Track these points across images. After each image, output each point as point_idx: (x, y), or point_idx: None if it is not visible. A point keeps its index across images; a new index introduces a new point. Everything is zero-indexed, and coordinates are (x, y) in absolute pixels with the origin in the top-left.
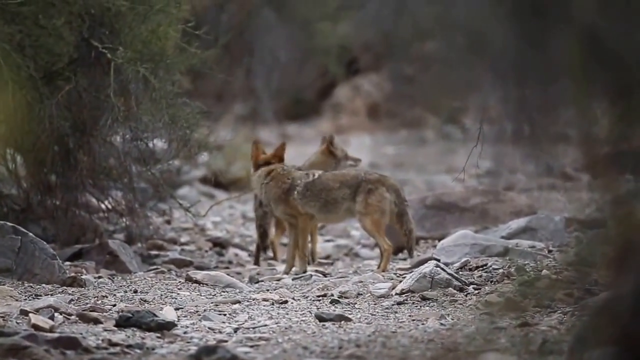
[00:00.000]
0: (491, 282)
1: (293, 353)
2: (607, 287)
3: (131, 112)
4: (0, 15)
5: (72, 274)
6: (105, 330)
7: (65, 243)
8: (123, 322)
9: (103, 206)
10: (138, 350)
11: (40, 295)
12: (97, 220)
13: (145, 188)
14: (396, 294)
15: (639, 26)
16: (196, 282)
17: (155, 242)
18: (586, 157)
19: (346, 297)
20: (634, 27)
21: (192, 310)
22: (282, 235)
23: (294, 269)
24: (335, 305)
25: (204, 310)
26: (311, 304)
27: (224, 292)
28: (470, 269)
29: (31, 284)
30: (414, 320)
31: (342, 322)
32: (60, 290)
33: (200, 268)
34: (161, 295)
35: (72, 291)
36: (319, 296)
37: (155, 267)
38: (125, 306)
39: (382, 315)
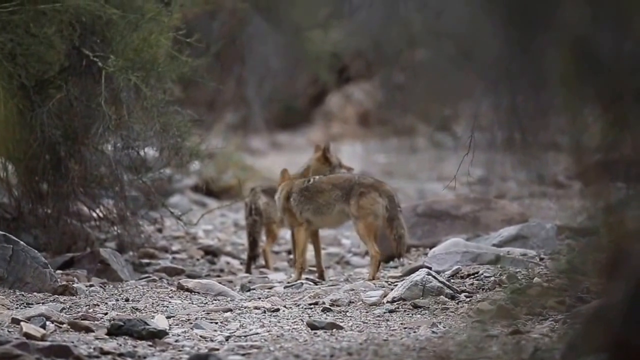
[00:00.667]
0: (483, 290)
1: None
2: (599, 294)
3: (122, 120)
4: None
5: (64, 283)
6: (97, 338)
7: (57, 251)
8: (115, 331)
9: (94, 214)
10: (130, 359)
11: (32, 304)
12: (88, 229)
13: (137, 196)
14: (388, 302)
15: (629, 35)
16: (188, 290)
17: (147, 250)
18: (577, 165)
19: (338, 305)
20: (623, 36)
21: (184, 319)
22: (273, 244)
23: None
24: (327, 313)
25: (196, 319)
26: (303, 312)
27: (215, 300)
28: (461, 277)
29: (23, 293)
30: (405, 328)
31: (334, 330)
32: (52, 299)
33: (191, 276)
34: (153, 303)
35: (64, 300)
36: (310, 304)
37: (146, 275)
38: (117, 314)
39: (373, 323)
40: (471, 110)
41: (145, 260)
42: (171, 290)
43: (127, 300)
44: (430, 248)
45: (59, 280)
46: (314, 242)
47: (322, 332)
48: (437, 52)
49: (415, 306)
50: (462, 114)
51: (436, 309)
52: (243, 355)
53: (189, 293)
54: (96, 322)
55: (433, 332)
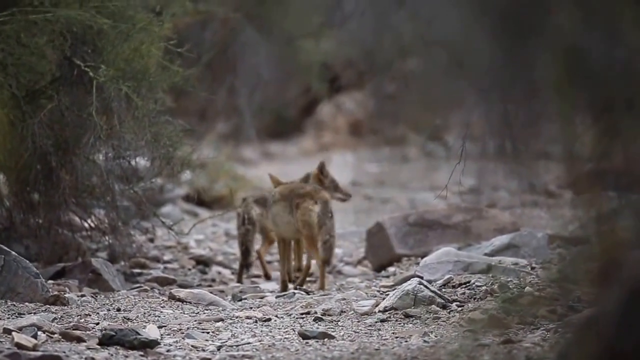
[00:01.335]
0: (474, 299)
1: None
2: (590, 303)
3: (114, 130)
4: None
5: (55, 293)
6: (89, 348)
7: (48, 261)
8: (106, 341)
9: (86, 224)
10: None
11: (24, 314)
12: (80, 239)
13: (128, 206)
14: (379, 311)
15: (621, 43)
16: (179, 300)
17: (138, 260)
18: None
19: (329, 315)
20: (615, 45)
21: (175, 328)
22: (268, 249)
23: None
24: (319, 322)
25: (187, 328)
26: (294, 322)
27: (207, 310)
28: (453, 286)
29: (14, 303)
30: (397, 337)
31: (326, 339)
32: (44, 309)
33: (183, 286)
34: (144, 313)
35: (55, 309)
36: (302, 314)
37: (138, 285)
38: (109, 324)
39: (365, 333)
40: (462, 120)
41: (137, 270)
42: (163, 300)
43: (118, 310)
44: (422, 257)
45: (50, 290)
46: (284, 251)
47: (313, 341)
48: (428, 61)
49: (407, 315)
50: (453, 123)
51: (428, 318)
52: None
53: (181, 303)
54: (88, 332)
55: (425, 341)
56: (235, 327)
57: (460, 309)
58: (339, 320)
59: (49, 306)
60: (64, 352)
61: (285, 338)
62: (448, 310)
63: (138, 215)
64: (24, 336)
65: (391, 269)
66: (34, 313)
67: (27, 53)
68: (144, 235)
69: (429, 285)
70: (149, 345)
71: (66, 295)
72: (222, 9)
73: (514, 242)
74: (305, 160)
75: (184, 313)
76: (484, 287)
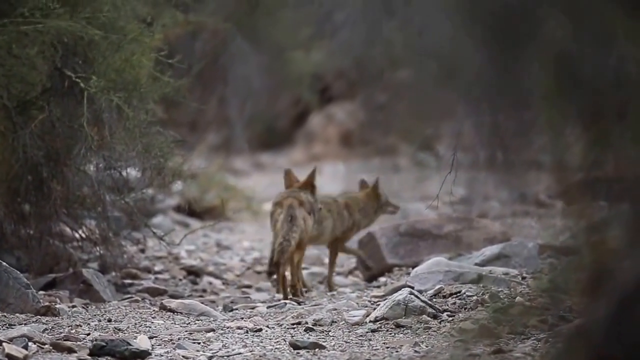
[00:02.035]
0: (465, 309)
1: None
2: (581, 313)
3: (105, 141)
4: None
5: (46, 303)
6: (79, 359)
7: (39, 272)
8: (97, 351)
9: (77, 235)
10: None
11: (14, 325)
12: (71, 250)
13: (119, 217)
14: (370, 321)
15: (611, 53)
16: (170, 310)
17: (130, 270)
18: (559, 184)
19: (320, 325)
20: (605, 54)
21: (166, 339)
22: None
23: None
24: (310, 333)
25: (178, 339)
26: (285, 332)
27: (198, 320)
28: (444, 296)
29: (5, 314)
30: (388, 347)
31: (317, 349)
32: (34, 320)
33: (174, 296)
34: (135, 323)
35: (46, 320)
36: (293, 324)
37: (129, 295)
38: (99, 335)
39: (356, 343)
40: (453, 130)
41: (128, 281)
42: (154, 310)
43: (109, 320)
44: (413, 267)
45: (41, 301)
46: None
47: (304, 351)
48: (419, 71)
49: (398, 325)
50: (444, 133)
51: (419, 328)
52: None
53: (172, 313)
54: (78, 342)
55: (415, 351)
56: (227, 338)
57: (451, 319)
58: (329, 331)
59: (39, 317)
60: None
61: (276, 348)
62: (439, 320)
63: (129, 225)
64: (14, 347)
65: (382, 279)
66: (25, 324)
67: (18, 64)
68: (135, 246)
69: (419, 295)
70: (139, 355)
71: (57, 306)
72: (213, 19)
73: (504, 252)
74: (297, 171)
75: (175, 323)
76: (474, 297)
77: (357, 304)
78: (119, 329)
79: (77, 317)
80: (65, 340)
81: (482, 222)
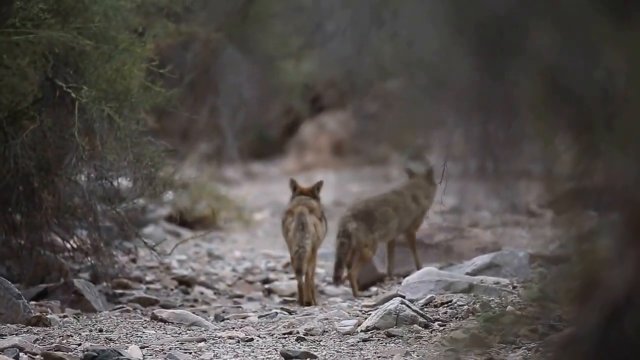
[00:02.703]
0: (456, 318)
1: None
2: (571, 322)
3: (96, 151)
4: None
5: (37, 314)
6: None
7: (30, 282)
8: None
9: (68, 245)
10: None
11: (5, 335)
12: (62, 260)
13: (111, 227)
14: (361, 330)
15: (600, 63)
16: (162, 320)
17: (121, 280)
18: (550, 194)
19: (312, 335)
20: (594, 64)
21: (158, 349)
22: (361, 267)
23: None
24: (301, 342)
25: (170, 349)
26: (277, 342)
27: (189, 330)
28: (435, 306)
29: None
30: (379, 357)
31: (308, 359)
32: (25, 330)
33: (165, 306)
34: (126, 334)
35: (37, 330)
36: (284, 334)
37: (120, 305)
38: (91, 345)
39: (347, 352)
40: (444, 140)
41: (119, 291)
42: (145, 320)
43: (100, 330)
44: (404, 277)
45: (32, 311)
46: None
47: None
48: (409, 81)
49: (389, 335)
50: (434, 143)
51: (410, 337)
52: None
53: (163, 323)
54: (70, 352)
55: None
56: (218, 347)
57: (442, 328)
58: (321, 340)
59: (31, 327)
60: None
61: (267, 358)
62: (430, 330)
63: (120, 235)
64: (5, 357)
65: (373, 289)
66: (16, 334)
67: (9, 74)
68: (127, 256)
69: (411, 305)
70: None
71: (48, 316)
72: (204, 30)
73: (495, 261)
74: (288, 180)
75: (166, 333)
76: (465, 307)
77: (349, 313)
78: (110, 339)
79: (68, 327)
80: (56, 350)
81: (473, 231)
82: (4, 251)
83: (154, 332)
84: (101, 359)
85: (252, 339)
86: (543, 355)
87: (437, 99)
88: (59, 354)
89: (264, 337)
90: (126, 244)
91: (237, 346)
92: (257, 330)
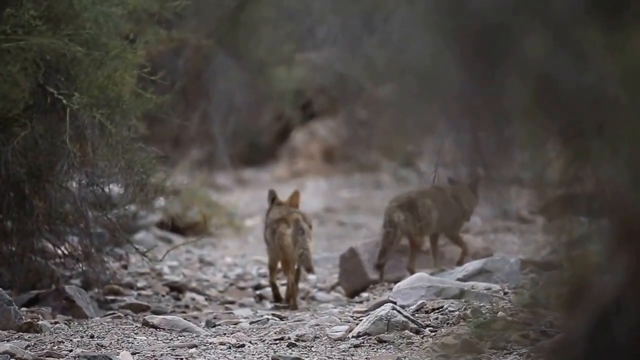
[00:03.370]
0: (447, 324)
1: None
2: (562, 328)
3: (87, 157)
4: None
5: (29, 320)
6: None
7: (22, 289)
8: None
9: (59, 252)
10: None
11: None
12: (53, 266)
13: (102, 233)
14: (353, 336)
15: (590, 69)
16: (153, 326)
17: (112, 287)
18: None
19: (303, 340)
20: (585, 70)
21: (149, 355)
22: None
23: None
24: (292, 348)
25: (161, 355)
26: (268, 348)
27: (180, 336)
28: (426, 312)
29: None
30: None
31: None
32: (17, 336)
33: (157, 312)
34: (118, 340)
35: (29, 337)
36: (276, 340)
37: (112, 312)
38: (82, 351)
39: (338, 358)
40: (434, 146)
41: (111, 297)
42: (136, 326)
43: (92, 336)
44: (395, 283)
45: (23, 317)
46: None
47: None
48: (400, 88)
49: (380, 341)
50: (425, 149)
51: (401, 343)
52: None
53: (154, 329)
54: (61, 359)
55: None
56: (209, 353)
57: (433, 334)
58: (312, 346)
59: (22, 333)
60: None
61: None
62: (421, 336)
63: (112, 242)
64: None
65: (364, 295)
66: (7, 340)
67: (0, 81)
68: (118, 262)
69: (402, 311)
70: None
71: (39, 322)
72: (195, 36)
73: (486, 267)
74: (279, 187)
75: (157, 339)
76: (457, 312)
77: (340, 319)
78: (102, 345)
79: (59, 333)
80: (47, 356)
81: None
82: None
83: (145, 338)
84: None
85: (243, 345)
86: None
87: (428, 106)
88: None
89: (256, 343)
90: (117, 250)
91: (229, 352)
92: (249, 336)
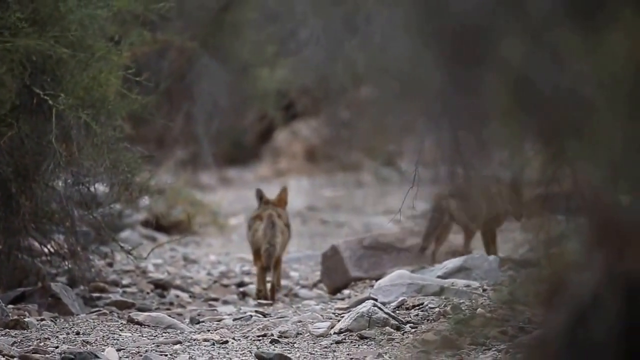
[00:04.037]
0: (427, 320)
1: None
2: (540, 324)
3: (73, 157)
4: None
5: (15, 317)
6: None
7: (8, 286)
8: None
9: (45, 250)
10: None
11: None
12: (39, 264)
13: (87, 231)
14: (335, 333)
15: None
16: (138, 323)
17: (98, 284)
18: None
19: (286, 337)
20: (562, 72)
21: (134, 351)
22: (469, 245)
23: None
24: (275, 344)
25: (146, 351)
26: (251, 344)
27: (165, 333)
28: (407, 308)
29: None
30: (352, 358)
31: None
32: (3, 333)
33: (142, 309)
34: (103, 336)
35: (15, 333)
36: (259, 336)
37: (97, 309)
38: (68, 348)
39: (321, 354)
40: (415, 146)
41: (96, 294)
42: (121, 323)
43: (77, 333)
44: (376, 280)
45: (10, 314)
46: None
47: None
48: (381, 88)
49: (362, 337)
50: (406, 149)
51: (382, 339)
52: None
53: (139, 326)
54: (47, 355)
55: None
56: (193, 350)
57: (413, 330)
58: (295, 342)
59: (8, 330)
60: None
61: None
62: (402, 332)
63: (97, 240)
64: None
65: (346, 292)
66: None
67: None
68: (103, 260)
69: (383, 307)
70: None
71: (26, 319)
72: (180, 38)
73: (466, 264)
74: (262, 186)
75: (142, 336)
76: (437, 309)
77: (322, 316)
78: (87, 342)
79: (45, 330)
80: (34, 353)
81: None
82: None
83: (130, 334)
84: None
85: (227, 342)
86: (513, 356)
87: (409, 106)
88: (37, 356)
89: (239, 339)
90: (103, 248)
91: (212, 348)
92: (232, 332)
